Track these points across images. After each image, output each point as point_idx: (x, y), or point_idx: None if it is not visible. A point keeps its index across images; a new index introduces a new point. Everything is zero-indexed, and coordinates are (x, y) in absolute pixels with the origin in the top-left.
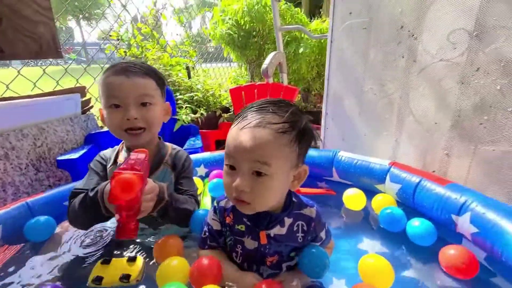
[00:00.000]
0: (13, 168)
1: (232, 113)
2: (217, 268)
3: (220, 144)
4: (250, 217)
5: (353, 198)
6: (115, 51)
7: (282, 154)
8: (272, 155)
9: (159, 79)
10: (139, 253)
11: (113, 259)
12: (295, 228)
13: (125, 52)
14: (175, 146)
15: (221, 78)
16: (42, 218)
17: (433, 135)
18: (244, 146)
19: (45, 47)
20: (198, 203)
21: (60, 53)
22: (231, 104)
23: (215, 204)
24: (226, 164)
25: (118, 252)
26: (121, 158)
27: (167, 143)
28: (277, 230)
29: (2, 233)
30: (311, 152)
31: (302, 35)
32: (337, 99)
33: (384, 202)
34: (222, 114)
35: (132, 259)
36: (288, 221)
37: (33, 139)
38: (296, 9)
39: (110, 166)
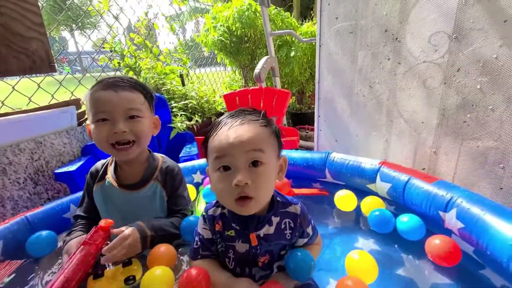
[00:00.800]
0: (11, 183)
1: None
2: (206, 279)
3: None
4: (239, 221)
5: (344, 200)
6: (109, 62)
7: (269, 142)
8: (263, 142)
9: (147, 93)
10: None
11: (105, 270)
12: (282, 226)
13: (119, 63)
14: (165, 158)
15: (216, 83)
16: (44, 233)
17: (421, 134)
18: (239, 139)
19: (39, 62)
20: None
21: (54, 67)
22: (226, 109)
23: (204, 213)
24: (218, 168)
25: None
26: (109, 175)
27: (157, 155)
28: (266, 230)
29: (2, 248)
30: (305, 154)
31: (293, 39)
32: (328, 101)
33: (373, 204)
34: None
35: (128, 263)
36: (275, 220)
37: (30, 153)
38: (286, 13)
39: (96, 183)
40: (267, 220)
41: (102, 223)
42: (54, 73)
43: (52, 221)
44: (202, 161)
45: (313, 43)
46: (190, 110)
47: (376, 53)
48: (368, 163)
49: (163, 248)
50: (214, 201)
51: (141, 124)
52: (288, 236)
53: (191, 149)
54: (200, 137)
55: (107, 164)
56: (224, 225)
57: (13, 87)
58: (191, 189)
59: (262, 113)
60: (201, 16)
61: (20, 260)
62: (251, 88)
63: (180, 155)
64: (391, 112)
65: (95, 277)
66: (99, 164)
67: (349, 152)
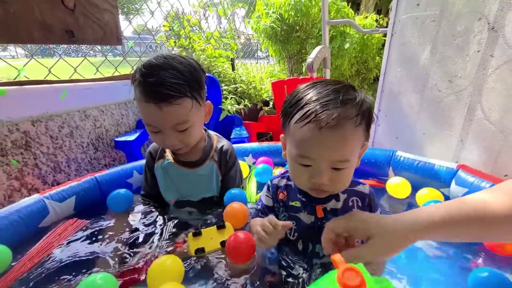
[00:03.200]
0: (76, 146)
1: (272, 106)
2: (252, 244)
3: (260, 136)
4: (305, 193)
5: (397, 186)
6: (165, 41)
7: (358, 146)
8: (351, 152)
9: (194, 89)
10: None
11: (202, 230)
12: (350, 204)
13: (175, 42)
14: (220, 138)
15: (259, 72)
16: (122, 191)
17: (509, 137)
18: (327, 149)
19: (109, 34)
20: None
21: (120, 40)
22: (271, 97)
23: (269, 182)
24: (298, 162)
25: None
26: (167, 154)
27: (212, 134)
28: (332, 204)
29: (75, 203)
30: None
31: (349, 30)
32: (393, 95)
33: (431, 197)
34: (263, 107)
35: (221, 227)
36: (342, 196)
37: (94, 120)
38: (343, 3)
39: (156, 161)
40: (334, 195)
41: None
42: (108, 53)
43: (117, 183)
44: (254, 144)
45: (364, 37)
46: (239, 95)
47: (463, 44)
48: (443, 165)
49: (237, 206)
50: (281, 173)
51: (191, 133)
52: None
53: (240, 132)
54: (247, 122)
55: None
56: (289, 195)
57: (84, 57)
58: (243, 166)
59: (358, 100)
60: (241, 7)
61: (86, 220)
62: (300, 77)
63: (231, 137)
64: (472, 110)
65: (194, 235)
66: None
67: (411, 150)
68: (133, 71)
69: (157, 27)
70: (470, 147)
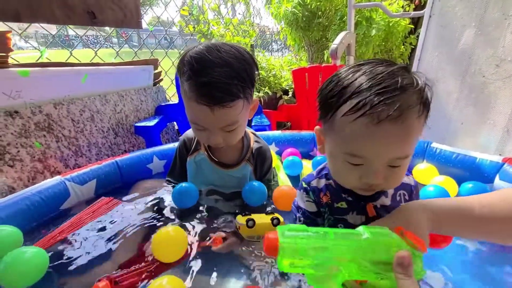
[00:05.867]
0: (97, 130)
1: (291, 95)
2: None
3: (279, 125)
4: (351, 191)
5: (422, 172)
6: (184, 26)
7: (418, 139)
8: (413, 146)
9: (247, 88)
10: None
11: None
12: (398, 198)
13: (194, 27)
14: (257, 137)
15: (278, 60)
16: (184, 184)
17: None
18: (386, 146)
19: (129, 16)
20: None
21: (140, 24)
22: (291, 86)
23: (305, 185)
24: (347, 161)
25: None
26: (203, 149)
27: (249, 132)
28: (382, 201)
29: (96, 186)
30: None
31: (374, 16)
32: (429, 82)
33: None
34: (283, 96)
35: (277, 221)
36: (390, 191)
37: (114, 105)
38: None
39: (190, 154)
40: (383, 191)
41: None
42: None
43: (137, 168)
44: (277, 133)
45: (390, 24)
46: (258, 82)
47: None
48: (486, 158)
49: (286, 189)
50: (315, 172)
51: (238, 132)
52: None
53: (261, 119)
54: (266, 110)
55: None
56: (333, 196)
57: (104, 38)
58: (273, 155)
59: (419, 85)
60: None
61: (118, 200)
62: (323, 65)
63: (252, 124)
64: None
65: (248, 227)
66: (191, 133)
67: (445, 142)
68: (151, 56)
69: (173, 19)
70: None
